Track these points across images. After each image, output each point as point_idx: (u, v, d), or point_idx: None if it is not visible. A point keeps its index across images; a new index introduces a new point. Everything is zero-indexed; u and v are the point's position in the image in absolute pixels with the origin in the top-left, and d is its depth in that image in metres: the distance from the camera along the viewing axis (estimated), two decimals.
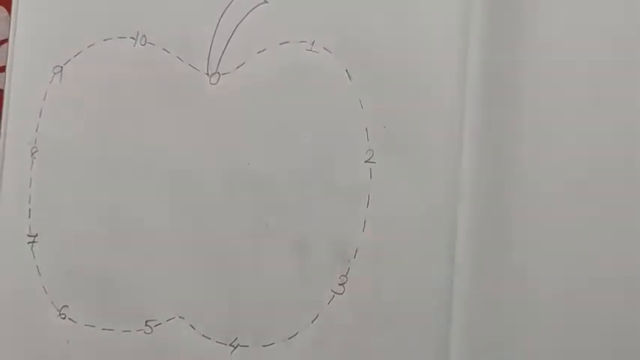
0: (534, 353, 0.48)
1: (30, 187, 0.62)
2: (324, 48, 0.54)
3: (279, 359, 0.54)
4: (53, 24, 0.63)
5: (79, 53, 0.62)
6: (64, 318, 0.60)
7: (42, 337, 0.61)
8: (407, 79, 0.52)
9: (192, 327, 0.56)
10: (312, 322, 0.53)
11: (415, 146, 0.51)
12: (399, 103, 0.52)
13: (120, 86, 0.60)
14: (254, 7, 0.57)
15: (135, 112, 0.60)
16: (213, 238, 0.56)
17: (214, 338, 0.56)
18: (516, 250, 0.48)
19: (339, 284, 0.52)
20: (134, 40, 0.60)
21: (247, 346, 0.55)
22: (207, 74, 0.58)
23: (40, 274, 0.61)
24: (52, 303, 0.61)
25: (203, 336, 0.56)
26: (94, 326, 0.59)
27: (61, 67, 0.63)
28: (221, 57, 0.58)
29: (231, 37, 0.57)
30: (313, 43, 0.55)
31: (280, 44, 0.56)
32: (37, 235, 0.62)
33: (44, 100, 0.63)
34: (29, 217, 0.62)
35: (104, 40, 0.61)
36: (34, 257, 0.62)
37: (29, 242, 0.62)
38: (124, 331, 0.58)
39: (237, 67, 0.57)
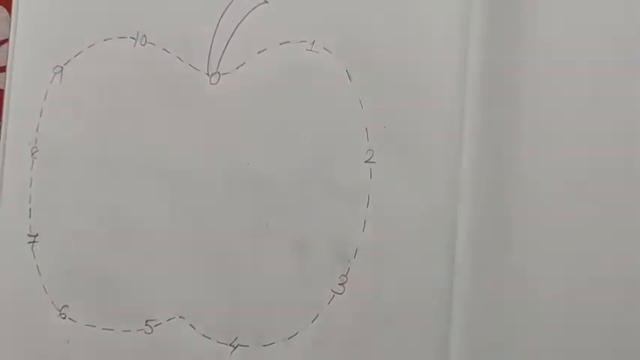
0: (534, 353, 0.47)
1: (30, 186, 0.62)
2: (324, 48, 0.54)
3: (279, 359, 0.54)
4: (53, 24, 0.63)
5: (79, 53, 0.62)
6: (64, 318, 0.60)
7: (42, 337, 0.61)
8: (407, 79, 0.52)
9: (193, 327, 0.56)
10: (312, 321, 0.53)
11: (415, 146, 0.51)
12: (399, 103, 0.52)
13: (120, 86, 0.60)
14: (254, 7, 0.57)
15: (135, 112, 0.60)
16: (213, 238, 0.56)
17: (214, 338, 0.56)
18: (516, 250, 0.48)
19: (339, 284, 0.52)
20: (134, 40, 0.60)
21: (247, 345, 0.55)
22: (208, 74, 0.58)
23: (40, 274, 0.61)
24: (52, 303, 0.61)
25: (203, 336, 0.56)
26: (94, 326, 0.59)
27: (62, 67, 0.63)
28: (221, 57, 0.58)
29: (231, 37, 0.57)
30: (313, 43, 0.55)
31: (280, 44, 0.56)
32: (37, 234, 0.62)
33: (44, 100, 0.63)
34: (29, 216, 0.62)
35: (104, 40, 0.61)
36: (34, 257, 0.62)
37: (29, 242, 0.62)
38: (124, 331, 0.58)
39: (238, 67, 0.57)
